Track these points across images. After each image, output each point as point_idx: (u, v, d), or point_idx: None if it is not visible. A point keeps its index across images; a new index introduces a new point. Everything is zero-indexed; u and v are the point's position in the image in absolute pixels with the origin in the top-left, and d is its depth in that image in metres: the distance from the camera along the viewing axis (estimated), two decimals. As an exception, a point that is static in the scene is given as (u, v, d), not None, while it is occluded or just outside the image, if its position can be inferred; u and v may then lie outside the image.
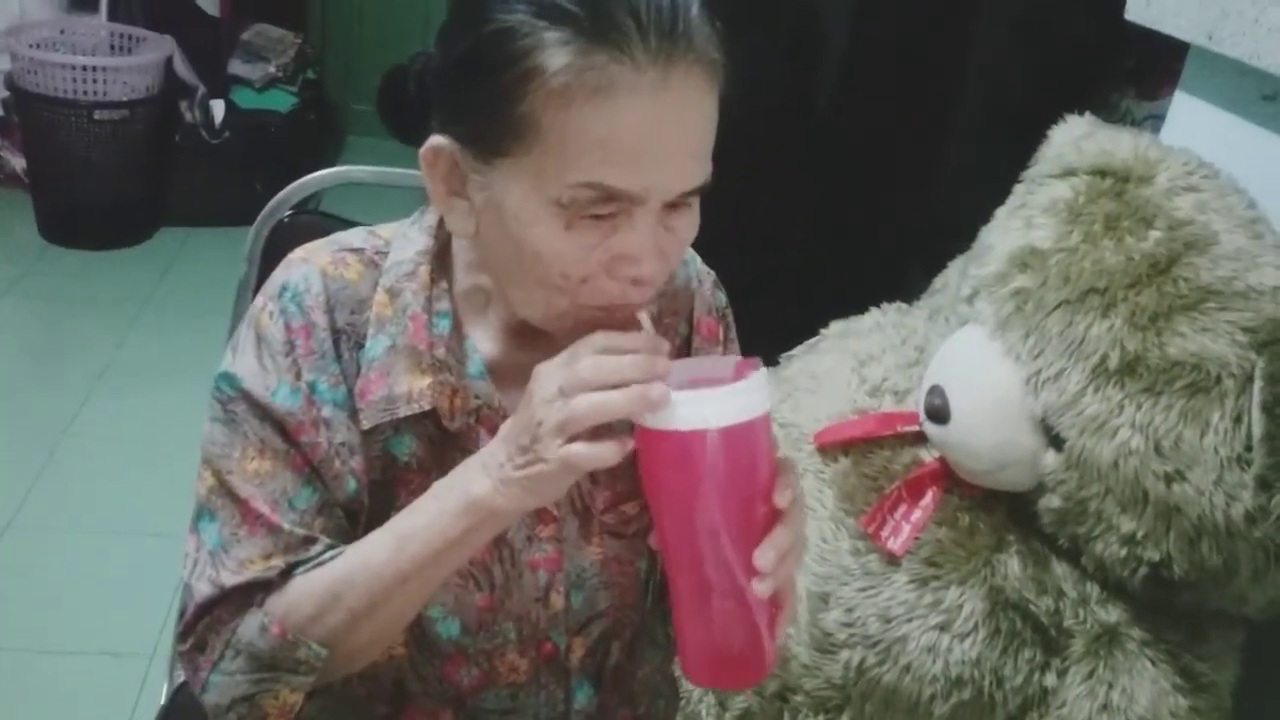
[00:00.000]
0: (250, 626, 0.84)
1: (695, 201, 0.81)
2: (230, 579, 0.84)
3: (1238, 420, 1.17)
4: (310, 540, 0.85)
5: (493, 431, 0.86)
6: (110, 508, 2.36)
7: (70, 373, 2.80)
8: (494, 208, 0.80)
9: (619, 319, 0.81)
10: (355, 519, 0.88)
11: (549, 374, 0.77)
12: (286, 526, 0.84)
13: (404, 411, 0.85)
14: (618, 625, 0.96)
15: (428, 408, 0.85)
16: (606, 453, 0.75)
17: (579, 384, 0.74)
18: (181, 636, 0.86)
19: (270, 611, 0.83)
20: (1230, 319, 1.19)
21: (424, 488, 0.85)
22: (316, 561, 0.84)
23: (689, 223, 0.82)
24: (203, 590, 0.85)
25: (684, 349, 0.99)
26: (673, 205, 0.79)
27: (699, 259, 1.03)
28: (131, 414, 2.66)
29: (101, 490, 2.41)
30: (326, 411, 0.85)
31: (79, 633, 2.02)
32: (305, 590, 0.83)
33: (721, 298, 1.04)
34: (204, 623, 0.85)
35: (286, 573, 0.84)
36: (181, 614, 0.87)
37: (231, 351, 0.87)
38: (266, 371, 0.85)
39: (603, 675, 0.96)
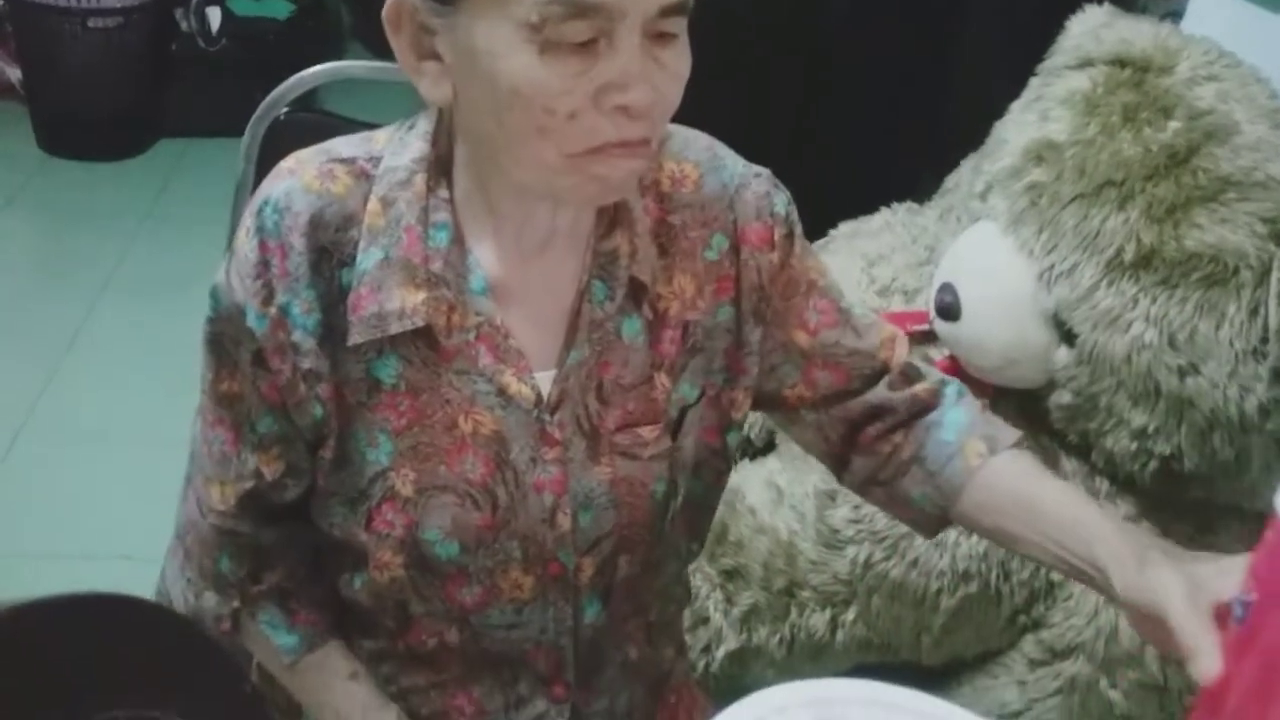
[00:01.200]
0: (210, 606, 0.93)
1: (682, 31, 0.77)
2: (198, 518, 0.91)
3: (1254, 312, 1.17)
4: (259, 474, 0.88)
5: (493, 350, 0.84)
6: (117, 417, 2.36)
7: (74, 285, 2.79)
8: (465, 56, 0.76)
9: (617, 177, 0.78)
10: (321, 444, 0.87)
11: None
12: (244, 456, 0.88)
13: (395, 328, 0.82)
14: (626, 541, 0.93)
15: (421, 324, 0.82)
16: None
17: None
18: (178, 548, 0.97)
19: (235, 621, 0.94)
20: (1250, 210, 1.17)
21: (414, 411, 0.84)
22: (280, 647, 0.93)
23: (677, 55, 0.77)
24: (191, 511, 0.94)
25: (729, 264, 0.91)
26: (658, 36, 0.75)
27: (742, 160, 0.94)
28: (136, 325, 2.65)
29: (108, 400, 2.42)
30: (296, 336, 0.83)
31: (93, 538, 2.04)
32: (262, 644, 0.94)
33: (780, 200, 0.93)
34: (184, 546, 0.95)
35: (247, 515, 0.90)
36: None
37: (222, 267, 0.86)
38: (234, 290, 0.83)
39: (612, 589, 0.95)
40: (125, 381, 2.47)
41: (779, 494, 1.46)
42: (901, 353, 0.99)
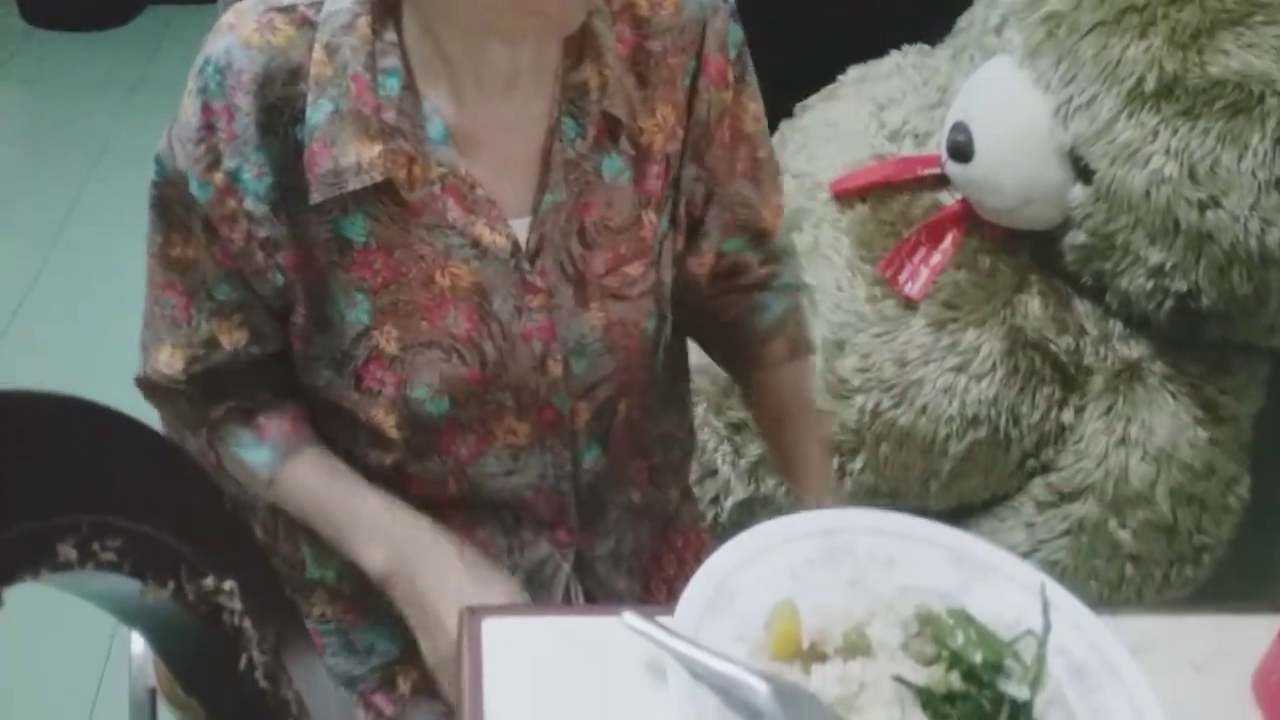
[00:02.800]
0: (191, 446, 0.91)
1: None
2: (153, 366, 0.89)
3: (1278, 142, 1.12)
4: (214, 344, 0.86)
5: (460, 201, 0.81)
6: (116, 289, 2.33)
7: (66, 159, 2.75)
8: None
9: (555, 11, 0.74)
10: (289, 310, 0.84)
11: None
12: (196, 321, 0.85)
13: (353, 184, 0.78)
14: (625, 386, 0.93)
15: (380, 179, 0.78)
16: None
17: None
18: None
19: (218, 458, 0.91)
20: (1278, 33, 1.12)
21: (389, 269, 0.81)
22: (255, 464, 0.89)
23: None
24: (140, 367, 0.91)
25: (690, 90, 0.89)
26: None
27: None
28: (130, 196, 2.60)
29: (106, 273, 2.39)
30: (248, 204, 0.79)
31: (97, 408, 2.04)
32: (240, 465, 0.90)
33: (736, 32, 0.92)
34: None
35: (199, 390, 0.88)
36: None
37: (166, 127, 0.81)
38: (176, 156, 0.79)
39: (611, 433, 0.94)
40: (123, 254, 2.43)
41: (786, 346, 1.44)
42: (781, 225, 1.03)
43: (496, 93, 0.81)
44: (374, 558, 0.86)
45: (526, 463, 0.90)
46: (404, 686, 0.96)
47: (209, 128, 0.78)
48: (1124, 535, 1.28)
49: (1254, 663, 0.69)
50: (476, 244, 0.82)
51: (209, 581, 0.37)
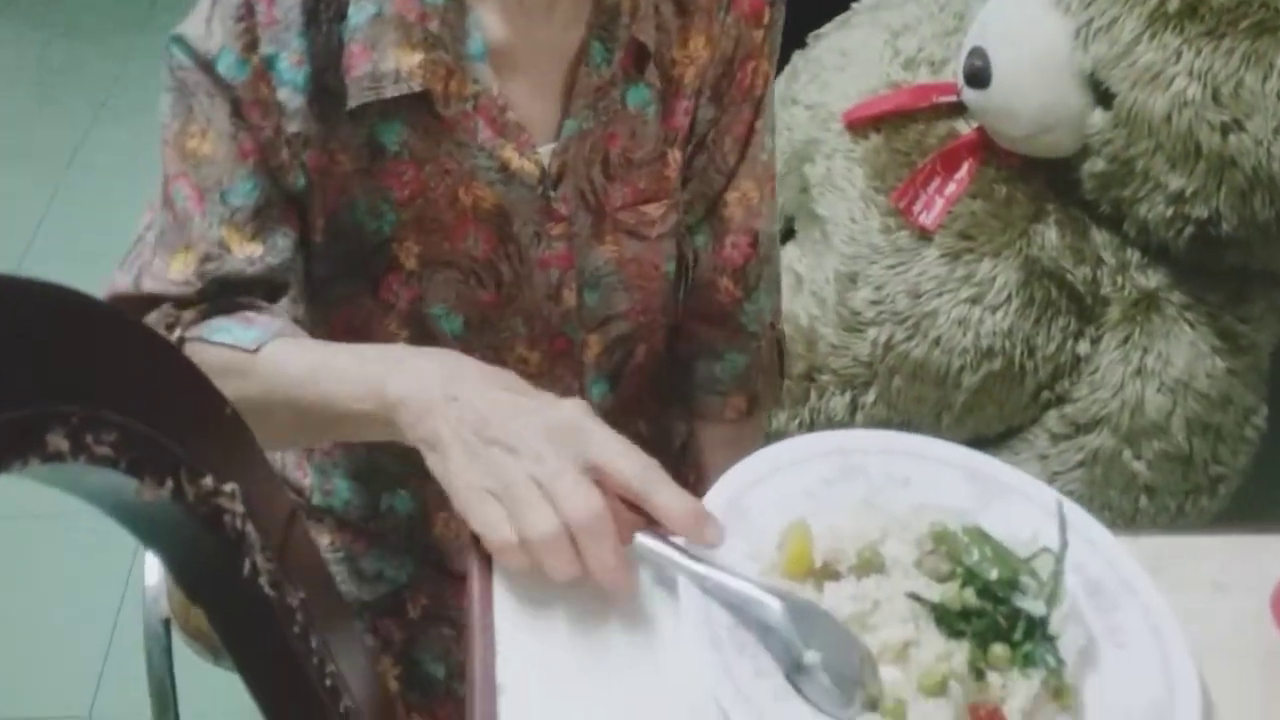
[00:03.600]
0: None
1: None
2: (152, 279, 0.80)
3: (1305, 62, 1.10)
4: (226, 248, 0.78)
5: (491, 124, 0.78)
6: (120, 235, 2.33)
7: (69, 104, 2.72)
8: None
9: None
10: (301, 216, 0.81)
11: (583, 452, 0.62)
12: (209, 221, 0.78)
13: (391, 91, 0.76)
14: (642, 329, 0.92)
15: (418, 88, 0.76)
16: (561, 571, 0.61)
17: (581, 515, 0.60)
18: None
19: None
20: (1306, -51, 1.09)
21: (417, 182, 0.79)
22: (238, 342, 0.76)
23: None
24: (122, 281, 0.82)
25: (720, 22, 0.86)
26: None
27: None
28: (135, 141, 2.58)
29: (110, 219, 2.37)
30: (282, 94, 0.76)
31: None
32: (217, 356, 0.76)
33: None
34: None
35: (207, 299, 0.79)
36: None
37: (193, 13, 0.78)
38: (212, 35, 0.75)
39: (622, 375, 0.93)
40: (126, 200, 2.42)
41: (798, 280, 1.43)
42: (760, 247, 0.97)
43: (539, 12, 0.79)
44: (368, 399, 0.72)
45: None
46: (413, 611, 0.96)
47: (249, 9, 0.75)
48: (1139, 466, 1.27)
49: (1273, 582, 0.68)
50: (504, 168, 0.80)
51: (208, 482, 0.36)
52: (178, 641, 1.07)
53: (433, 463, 0.66)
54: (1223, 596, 0.68)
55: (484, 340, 0.86)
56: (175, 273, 0.80)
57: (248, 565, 0.39)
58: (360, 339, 0.86)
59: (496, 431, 0.63)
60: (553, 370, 0.89)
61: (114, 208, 2.40)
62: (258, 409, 0.70)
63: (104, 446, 0.32)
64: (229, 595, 0.40)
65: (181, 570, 0.39)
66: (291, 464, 0.98)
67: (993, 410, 1.33)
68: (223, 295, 0.80)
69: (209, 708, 1.19)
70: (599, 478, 0.61)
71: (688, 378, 1.02)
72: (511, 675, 0.59)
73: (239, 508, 0.37)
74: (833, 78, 1.48)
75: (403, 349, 0.74)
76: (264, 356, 0.75)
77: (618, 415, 0.94)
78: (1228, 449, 1.27)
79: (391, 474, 0.92)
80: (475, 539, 0.64)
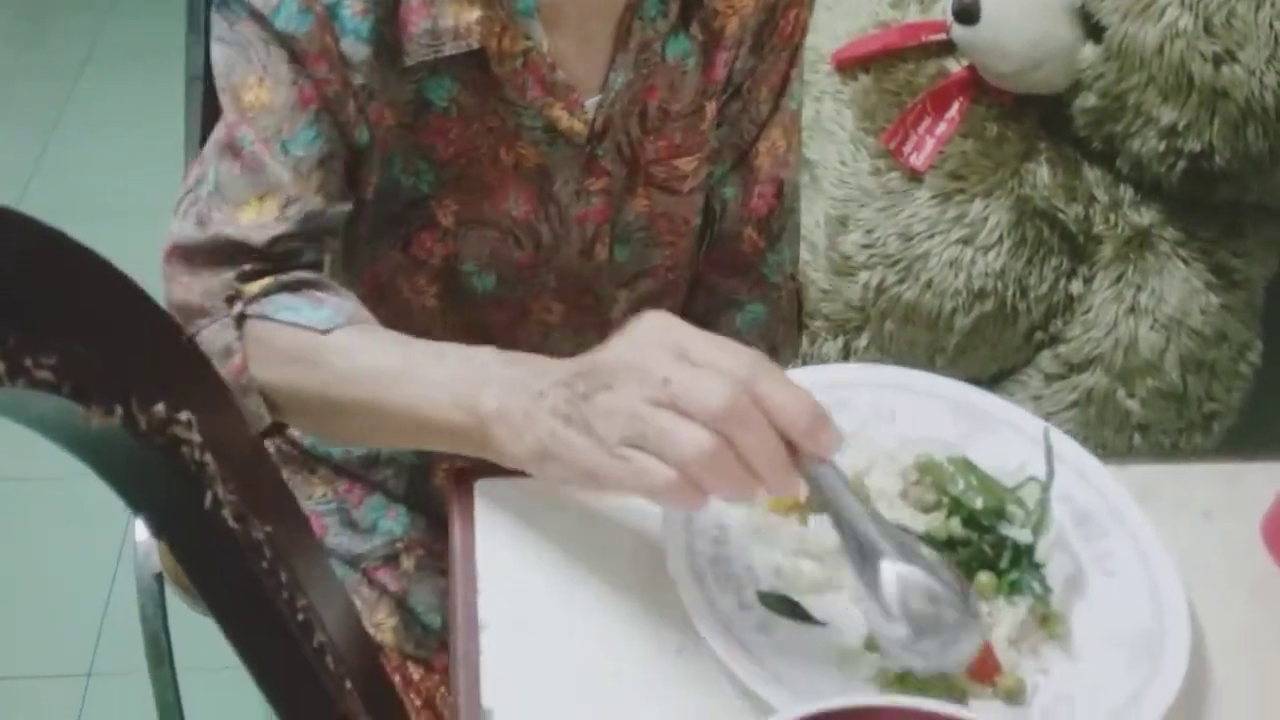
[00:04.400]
0: (217, 338, 0.72)
1: None
2: (220, 225, 0.73)
3: (1299, -10, 1.08)
4: (299, 198, 0.74)
5: (540, 82, 0.76)
6: (109, 192, 2.31)
7: (54, 61, 2.69)
8: None
9: None
10: (356, 174, 0.78)
11: (679, 347, 0.54)
12: (275, 168, 0.73)
13: (450, 49, 0.74)
14: (670, 286, 0.91)
15: (476, 45, 0.74)
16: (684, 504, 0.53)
17: (719, 415, 0.51)
18: (164, 267, 0.76)
19: (244, 336, 0.71)
20: (1301, -128, 1.07)
21: (464, 140, 0.77)
22: (308, 322, 0.70)
23: None
24: (185, 229, 0.75)
25: None
26: None
27: None
28: (121, 97, 2.57)
29: (99, 176, 2.36)
30: (347, 45, 0.73)
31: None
32: (284, 340, 0.70)
33: None
34: (182, 269, 0.74)
35: (279, 257, 0.73)
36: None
37: None
38: None
39: None
40: (115, 156, 2.41)
41: (789, 226, 1.41)
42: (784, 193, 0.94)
43: None
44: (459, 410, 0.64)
45: (555, 342, 0.88)
46: (408, 564, 0.95)
47: None
48: (1132, 405, 1.26)
49: (1263, 510, 0.67)
50: (551, 127, 0.78)
51: (160, 410, 0.35)
52: (172, 596, 1.07)
53: (555, 472, 0.57)
54: (1212, 525, 0.67)
55: (515, 295, 0.85)
56: (247, 221, 0.73)
57: (209, 498, 0.38)
58: (386, 295, 0.85)
59: (590, 382, 0.55)
60: (578, 323, 0.88)
61: (101, 166, 2.39)
62: (326, 403, 0.68)
63: (44, 370, 0.31)
64: (192, 529, 0.39)
65: (142, 504, 0.38)
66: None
67: (985, 352, 1.32)
68: (292, 261, 0.74)
69: (205, 661, 1.19)
70: None
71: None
72: (494, 613, 0.59)
73: (196, 437, 0.36)
74: (820, 17, 1.45)
75: (490, 354, 0.65)
76: (336, 343, 0.68)
77: None
78: (1222, 385, 1.27)
79: None
80: (452, 478, 0.63)
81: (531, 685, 0.56)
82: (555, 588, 0.60)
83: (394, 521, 0.95)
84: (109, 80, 2.62)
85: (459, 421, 0.61)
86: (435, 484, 0.93)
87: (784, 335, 1.00)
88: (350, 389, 0.67)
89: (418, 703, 0.93)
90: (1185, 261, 1.25)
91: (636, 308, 0.89)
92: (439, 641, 0.94)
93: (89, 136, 2.47)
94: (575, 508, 0.64)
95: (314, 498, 0.98)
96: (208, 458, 0.37)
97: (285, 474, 0.99)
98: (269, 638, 0.43)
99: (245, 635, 0.42)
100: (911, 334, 1.33)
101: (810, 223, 1.39)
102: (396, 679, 0.94)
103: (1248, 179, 1.19)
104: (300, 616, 0.42)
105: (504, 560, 0.61)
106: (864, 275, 1.33)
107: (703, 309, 0.99)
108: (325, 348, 0.68)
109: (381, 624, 0.94)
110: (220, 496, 0.38)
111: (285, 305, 0.71)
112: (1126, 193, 1.27)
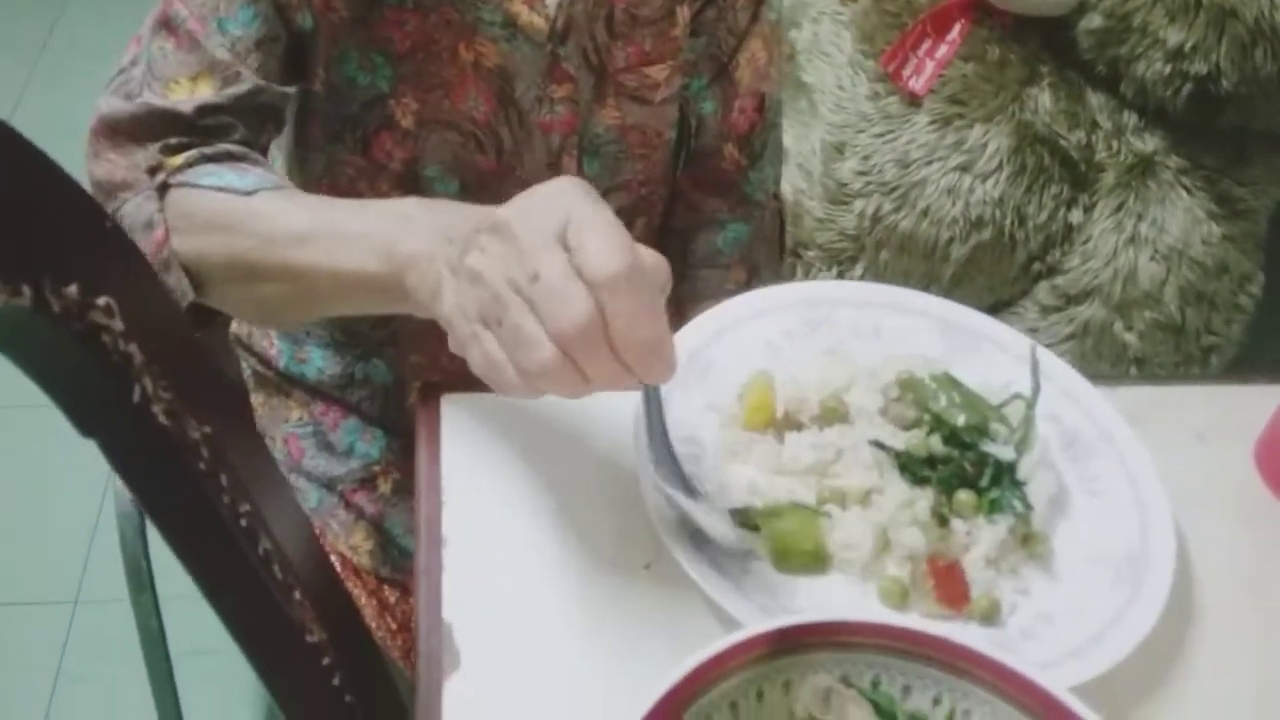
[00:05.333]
0: (139, 211, 0.70)
1: None
2: (150, 96, 0.71)
3: (1313, -97, 1.04)
4: (236, 75, 0.72)
5: None
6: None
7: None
8: None
9: None
10: (298, 62, 0.76)
11: (588, 229, 0.51)
12: (210, 45, 0.71)
13: None
14: (643, 202, 0.88)
15: None
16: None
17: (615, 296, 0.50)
18: (90, 144, 0.75)
19: (165, 209, 0.69)
20: None
21: (420, 33, 0.74)
22: (231, 185, 0.68)
23: None
24: (113, 104, 0.73)
25: None
26: None
27: None
28: (110, 19, 2.52)
29: (88, 99, 2.33)
30: None
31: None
32: (206, 205, 0.68)
33: None
34: (107, 145, 0.73)
35: (206, 132, 0.71)
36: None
37: None
38: None
39: None
40: (104, 78, 2.37)
41: (785, 153, 1.37)
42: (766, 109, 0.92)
43: None
44: (375, 259, 0.63)
45: None
46: (385, 487, 0.94)
47: None
48: (1130, 338, 1.24)
49: (1256, 431, 0.65)
50: (511, 23, 0.75)
51: (73, 292, 0.32)
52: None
53: (439, 315, 0.56)
54: (1205, 447, 0.66)
55: (479, 205, 0.82)
56: (180, 97, 0.71)
57: (137, 391, 0.36)
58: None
59: (479, 240, 0.54)
60: None
61: (91, 89, 2.35)
62: (248, 270, 0.66)
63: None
64: (120, 425, 0.37)
65: (63, 394, 0.36)
66: (258, 331, 0.95)
67: (982, 283, 1.30)
68: (221, 136, 0.72)
69: (191, 589, 1.18)
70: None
71: (685, 257, 0.98)
72: (457, 528, 0.57)
73: (118, 325, 0.34)
74: (820, -62, 1.41)
75: (414, 204, 0.63)
76: (258, 207, 0.66)
77: None
78: (1221, 318, 1.24)
79: (368, 342, 0.90)
80: (420, 393, 0.61)
81: (493, 600, 0.54)
82: (522, 503, 0.59)
83: (370, 445, 0.94)
84: (92, 10, 2.59)
85: (375, 271, 0.60)
86: (410, 406, 0.91)
87: (766, 255, 0.98)
88: (270, 252, 0.65)
89: (393, 626, 0.92)
90: (1188, 190, 1.22)
91: None
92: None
93: (78, 59, 2.44)
94: (545, 422, 0.62)
95: (290, 420, 0.96)
96: (132, 348, 0.34)
97: (261, 397, 0.98)
98: (210, 543, 0.41)
99: (184, 538, 0.41)
100: (907, 264, 1.30)
101: (806, 150, 1.36)
102: (373, 602, 0.94)
103: (1255, 103, 1.15)
104: (243, 522, 0.41)
105: (470, 475, 0.59)
106: (859, 203, 1.30)
107: (683, 227, 0.96)
108: (247, 212, 0.66)
109: (358, 547, 0.93)
110: (149, 391, 0.36)
111: (209, 173, 0.69)
112: (1130, 119, 1.24)
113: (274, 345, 0.94)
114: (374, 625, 0.92)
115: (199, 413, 0.38)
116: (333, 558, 0.94)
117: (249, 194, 0.66)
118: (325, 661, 0.45)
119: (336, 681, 0.47)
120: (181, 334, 0.41)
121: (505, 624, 0.54)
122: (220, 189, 0.68)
